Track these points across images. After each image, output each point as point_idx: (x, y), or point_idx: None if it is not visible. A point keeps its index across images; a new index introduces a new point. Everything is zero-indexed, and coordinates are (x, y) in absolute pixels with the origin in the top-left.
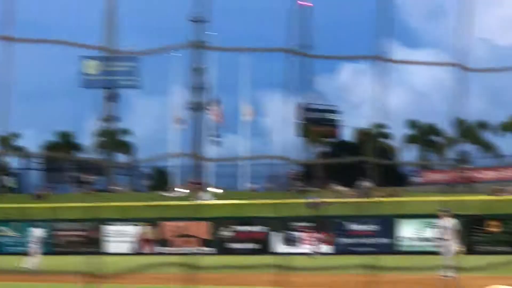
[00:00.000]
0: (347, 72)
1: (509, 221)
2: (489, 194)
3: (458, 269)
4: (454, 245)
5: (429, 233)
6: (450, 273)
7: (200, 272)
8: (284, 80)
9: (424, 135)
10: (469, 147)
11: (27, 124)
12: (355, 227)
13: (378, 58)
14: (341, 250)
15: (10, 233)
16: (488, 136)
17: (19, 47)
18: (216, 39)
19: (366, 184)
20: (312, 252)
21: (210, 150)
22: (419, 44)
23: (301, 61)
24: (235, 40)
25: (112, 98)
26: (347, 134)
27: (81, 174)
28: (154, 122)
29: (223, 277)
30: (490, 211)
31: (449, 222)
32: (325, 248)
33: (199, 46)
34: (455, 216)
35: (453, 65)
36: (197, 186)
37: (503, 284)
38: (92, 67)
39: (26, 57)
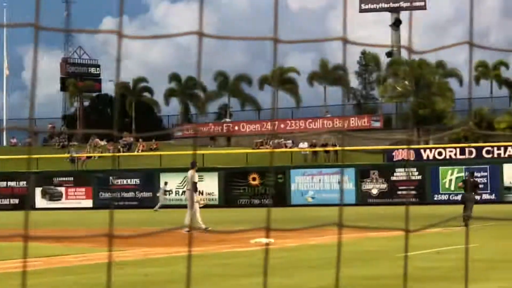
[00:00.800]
0: (108, 26)
1: (268, 173)
2: (250, 147)
3: (217, 222)
4: (196, 198)
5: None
6: (202, 226)
7: None
8: (46, 34)
9: (185, 89)
10: (229, 101)
11: None
12: (117, 181)
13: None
14: (102, 205)
15: None
16: (249, 89)
17: None
18: None
19: (128, 138)
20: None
21: None
22: None
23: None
24: None
25: None
26: (109, 88)
27: None
28: None
29: None
30: (250, 164)
31: (192, 175)
32: (85, 202)
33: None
34: (200, 169)
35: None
36: None
37: (263, 237)
38: None
39: None
